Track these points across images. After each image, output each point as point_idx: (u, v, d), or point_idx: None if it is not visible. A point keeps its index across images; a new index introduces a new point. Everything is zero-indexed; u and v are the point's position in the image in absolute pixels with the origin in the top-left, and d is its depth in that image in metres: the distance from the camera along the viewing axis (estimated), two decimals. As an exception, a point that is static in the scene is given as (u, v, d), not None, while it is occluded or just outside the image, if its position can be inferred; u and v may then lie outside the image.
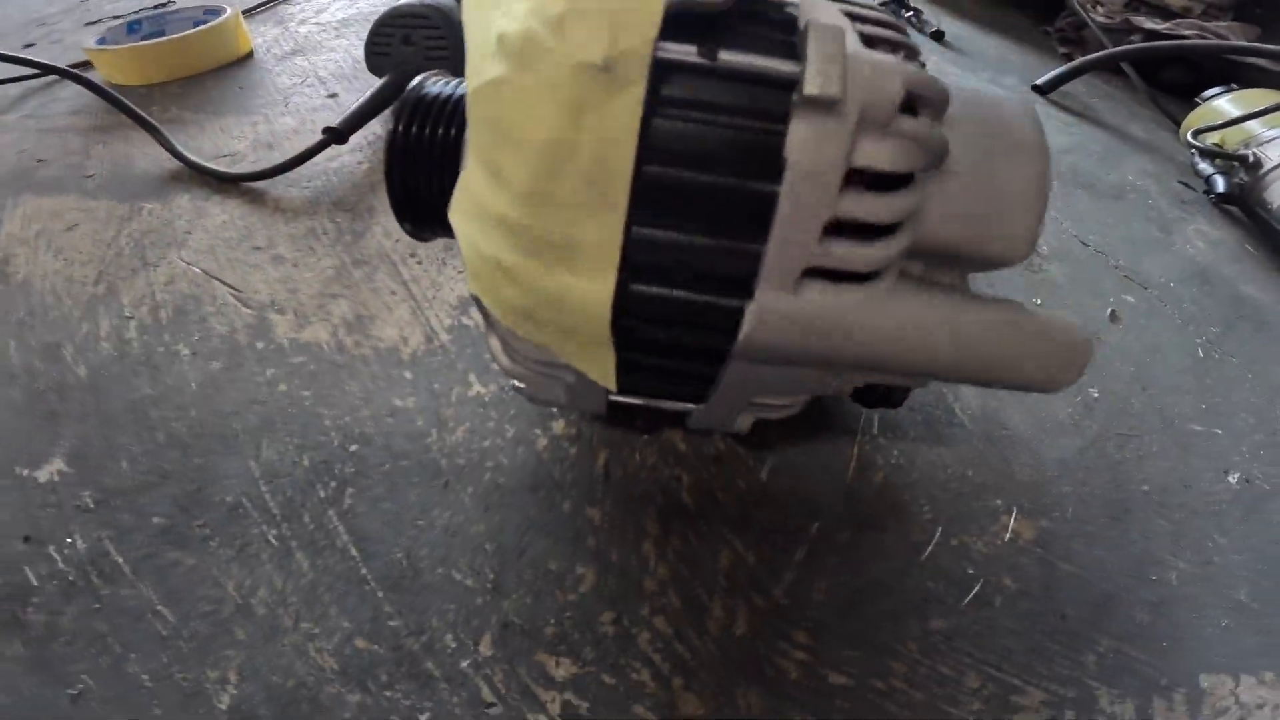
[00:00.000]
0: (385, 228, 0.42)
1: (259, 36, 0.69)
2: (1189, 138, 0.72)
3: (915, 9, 0.94)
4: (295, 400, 0.33)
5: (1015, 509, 0.36)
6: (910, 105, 0.18)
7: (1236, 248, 0.63)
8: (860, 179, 0.17)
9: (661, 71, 0.17)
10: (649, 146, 0.17)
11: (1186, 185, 0.70)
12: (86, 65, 0.60)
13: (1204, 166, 0.69)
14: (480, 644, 0.28)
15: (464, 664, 0.28)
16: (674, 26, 0.17)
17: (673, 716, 0.28)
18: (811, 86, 0.16)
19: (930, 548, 0.34)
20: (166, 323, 0.36)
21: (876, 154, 0.17)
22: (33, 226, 0.41)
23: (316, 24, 0.72)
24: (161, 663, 0.26)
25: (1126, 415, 0.43)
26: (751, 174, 0.17)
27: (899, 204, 0.18)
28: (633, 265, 0.18)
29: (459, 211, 0.20)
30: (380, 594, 0.29)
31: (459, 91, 0.25)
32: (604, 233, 0.17)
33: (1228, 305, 0.55)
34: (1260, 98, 0.75)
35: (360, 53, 0.60)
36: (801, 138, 0.16)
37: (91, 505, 0.30)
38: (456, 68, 0.43)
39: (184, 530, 0.29)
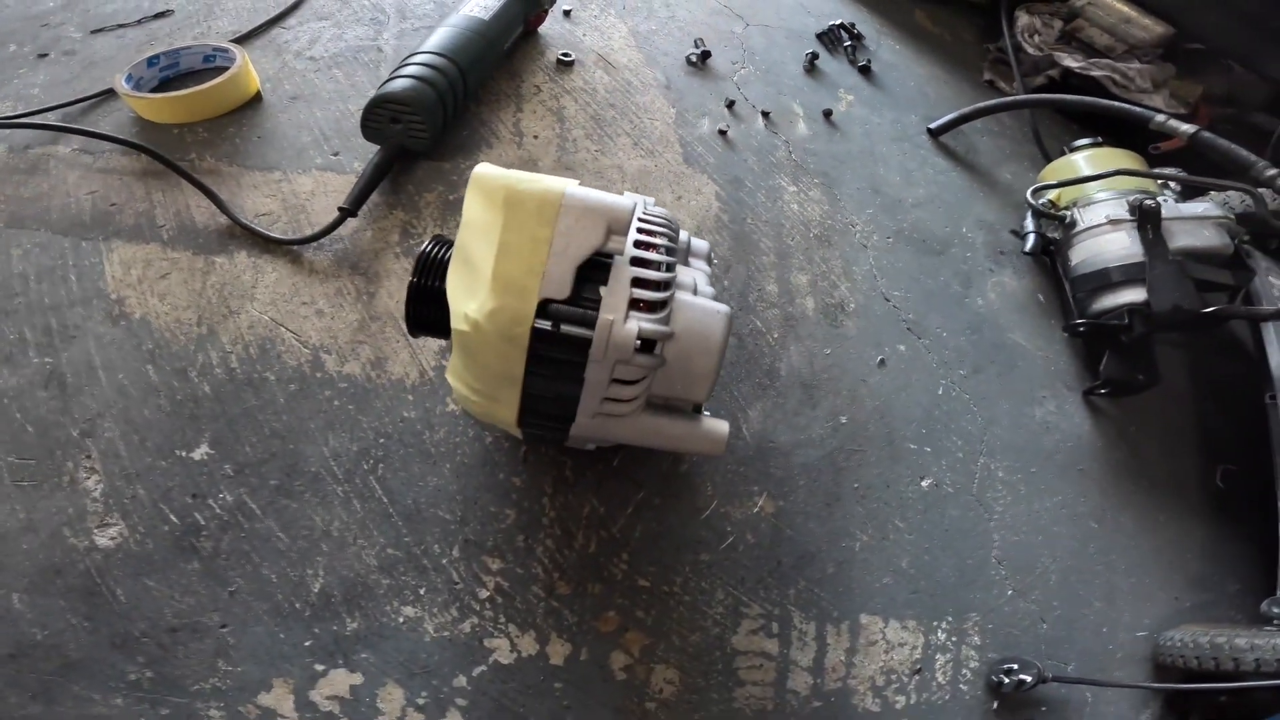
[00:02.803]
0: (389, 291, 0.71)
1: (260, 71, 0.90)
2: (1029, 194, 0.99)
3: (859, 36, 1.16)
4: (344, 410, 0.65)
5: (766, 493, 0.72)
6: (648, 342, 0.49)
7: (1027, 299, 0.97)
8: (619, 375, 0.50)
9: (536, 334, 0.48)
10: (529, 366, 0.48)
11: (1016, 234, 1.01)
12: (111, 93, 0.83)
13: (1028, 223, 0.98)
14: (453, 550, 0.63)
15: (444, 561, 0.62)
16: (541, 312, 0.48)
17: (553, 594, 0.64)
18: (597, 350, 0.47)
19: (707, 512, 0.70)
20: (256, 357, 0.66)
21: (623, 373, 0.49)
22: (132, 272, 0.69)
23: (310, 59, 0.93)
24: (281, 567, 0.59)
25: (861, 436, 0.78)
26: (570, 379, 0.49)
27: (635, 389, 0.50)
28: (523, 405, 0.50)
29: (452, 373, 0.51)
30: (400, 523, 0.63)
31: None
32: (511, 394, 0.49)
33: (987, 351, 0.89)
34: (1114, 158, 1.01)
35: (351, 103, 0.85)
36: (591, 372, 0.48)
37: (231, 473, 0.62)
38: (431, 146, 0.73)
39: (289, 488, 0.62)
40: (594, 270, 0.48)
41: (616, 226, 0.46)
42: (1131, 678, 0.74)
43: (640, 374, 0.49)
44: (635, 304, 0.49)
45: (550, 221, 0.45)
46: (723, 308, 0.53)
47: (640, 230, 0.51)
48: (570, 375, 0.49)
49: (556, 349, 0.48)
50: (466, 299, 0.47)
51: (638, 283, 0.49)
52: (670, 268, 0.51)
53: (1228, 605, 0.82)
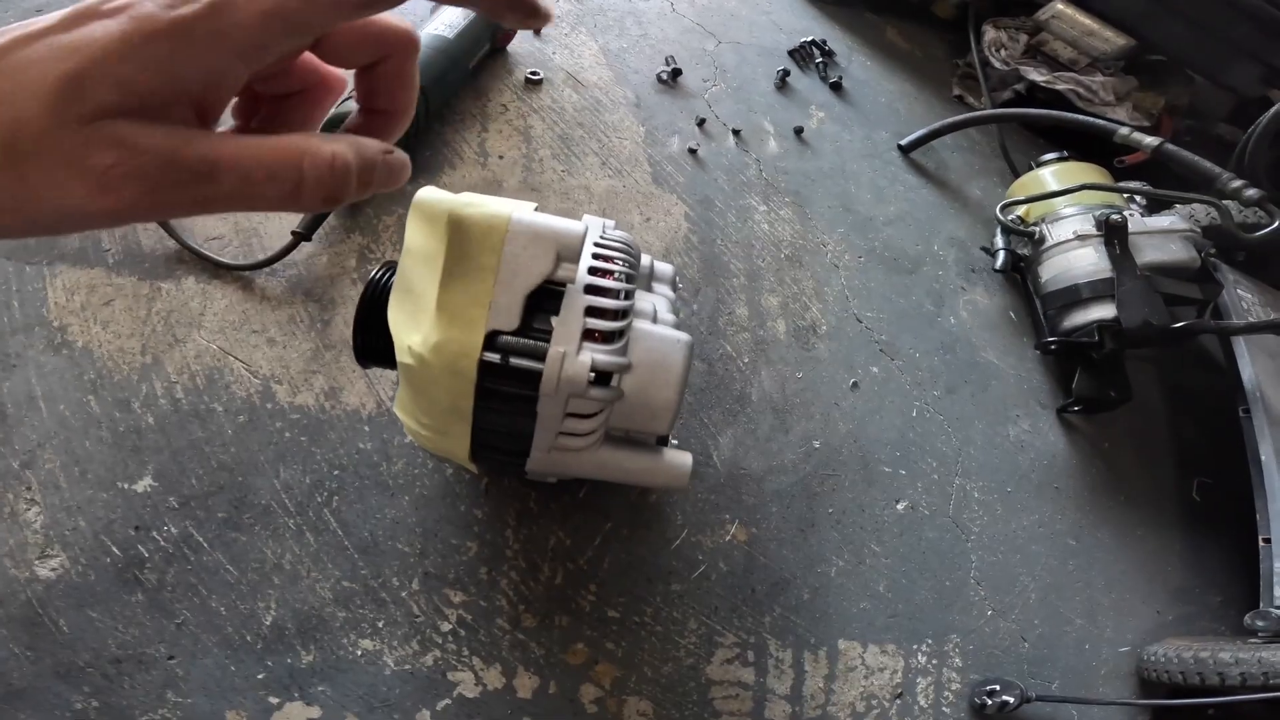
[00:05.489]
0: (344, 318, 0.69)
1: None
2: (998, 211, 0.99)
3: (830, 53, 1.16)
4: (296, 442, 0.63)
5: (737, 521, 0.70)
6: (604, 375, 0.47)
7: (998, 316, 0.96)
8: (574, 409, 0.47)
9: (484, 367, 0.45)
10: (479, 400, 0.46)
11: (987, 251, 1.01)
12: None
13: (998, 240, 0.98)
14: (412, 583, 0.60)
15: (403, 594, 0.60)
16: (489, 344, 0.45)
17: (519, 626, 0.61)
18: (548, 384, 0.45)
19: (678, 541, 0.68)
20: (203, 387, 0.63)
21: (578, 407, 0.47)
22: (75, 298, 0.65)
23: None
24: (230, 600, 0.57)
25: (835, 461, 0.76)
26: (522, 414, 0.47)
27: (592, 423, 0.48)
28: (475, 440, 0.48)
29: (400, 406, 0.49)
30: (355, 556, 0.60)
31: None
32: (461, 429, 0.47)
33: (960, 371, 0.88)
34: (1080, 172, 1.01)
35: None
36: (543, 406, 0.46)
37: (176, 506, 0.59)
38: None
39: (238, 520, 0.59)
40: (546, 299, 0.46)
41: (567, 253, 0.44)
42: (1116, 694, 0.73)
43: (596, 408, 0.47)
44: (589, 334, 0.46)
45: (496, 249, 0.43)
46: (683, 336, 0.51)
47: (596, 256, 0.49)
48: (522, 410, 0.46)
49: (506, 382, 0.45)
50: (410, 331, 0.45)
51: (592, 312, 0.47)
52: (628, 295, 0.49)
53: (1210, 617, 0.81)
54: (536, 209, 0.48)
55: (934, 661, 0.69)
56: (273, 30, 0.20)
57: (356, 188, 0.21)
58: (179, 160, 0.19)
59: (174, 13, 0.18)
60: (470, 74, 0.88)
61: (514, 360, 0.45)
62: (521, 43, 0.98)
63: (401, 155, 0.22)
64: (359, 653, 0.57)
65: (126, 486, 0.58)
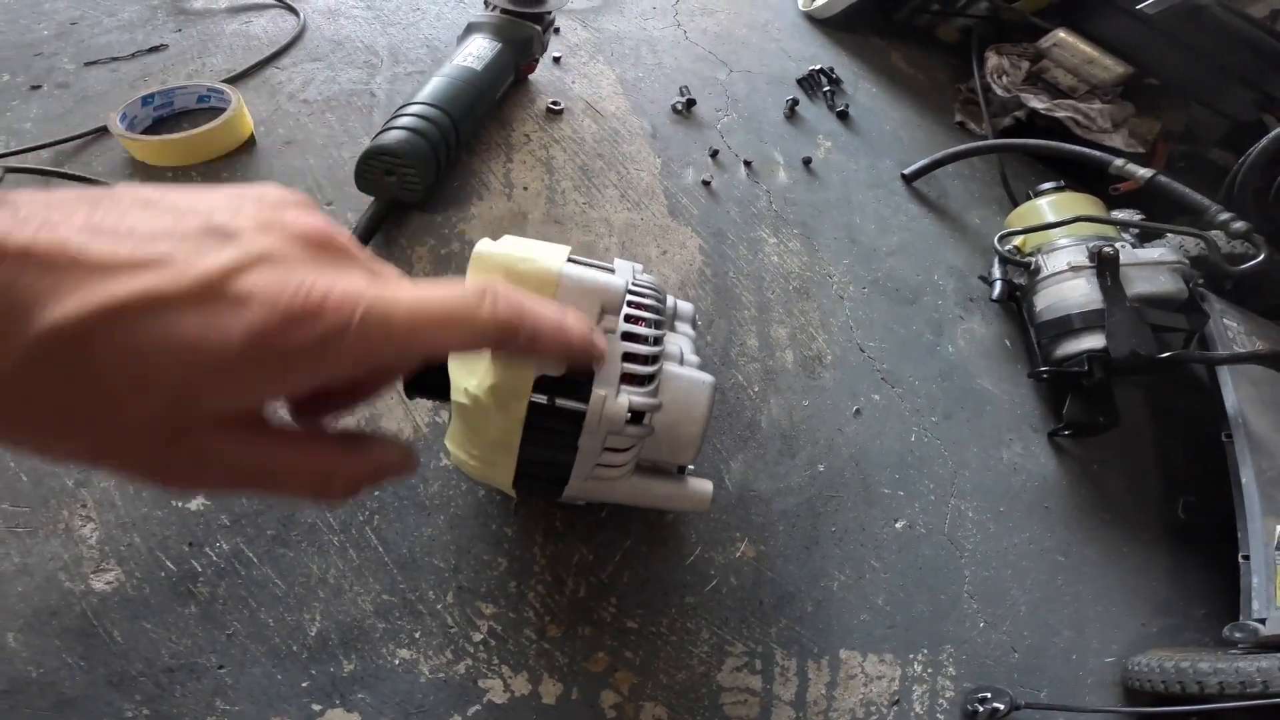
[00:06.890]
0: None
1: (254, 113, 0.91)
2: (995, 241, 1.05)
3: (837, 80, 1.22)
4: (338, 466, 0.68)
5: (747, 539, 0.76)
6: (638, 414, 0.53)
7: (994, 344, 1.02)
8: (610, 444, 0.54)
9: (531, 408, 0.51)
10: (525, 436, 0.52)
11: (984, 280, 1.07)
12: (105, 131, 0.85)
13: (995, 270, 1.05)
14: (447, 596, 0.66)
15: (438, 606, 0.65)
16: (537, 387, 0.51)
17: (544, 636, 0.67)
18: (590, 423, 0.51)
19: (692, 557, 0.74)
20: (253, 412, 0.69)
21: (614, 442, 0.53)
22: None
23: (303, 102, 0.95)
24: (278, 612, 0.62)
25: (838, 483, 0.83)
26: (564, 448, 0.53)
27: (625, 456, 0.54)
28: (519, 470, 0.54)
29: (450, 439, 0.55)
30: (395, 571, 0.66)
31: None
32: (507, 460, 0.53)
33: (957, 398, 0.95)
34: (1076, 203, 1.08)
35: (344, 150, 0.88)
36: (584, 441, 0.52)
37: (228, 523, 0.64)
38: (424, 198, 0.79)
39: (286, 537, 0.65)
40: (587, 346, 0.52)
41: (610, 306, 0.50)
42: (1102, 702, 0.79)
43: (630, 443, 0.53)
44: (626, 378, 0.52)
45: (547, 304, 0.49)
46: (708, 378, 0.57)
47: (630, 305, 0.55)
48: (564, 445, 0.52)
49: (552, 421, 0.51)
50: (467, 375, 0.51)
51: (628, 357, 0.53)
52: (658, 340, 0.55)
53: (1194, 629, 0.88)
54: (571, 253, 0.54)
55: (929, 670, 0.75)
56: (358, 370, 0.20)
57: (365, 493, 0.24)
58: (238, 470, 0.20)
59: (295, 334, 0.18)
60: (496, 104, 0.93)
61: (560, 401, 0.51)
62: (542, 72, 1.04)
63: (413, 462, 0.26)
64: (397, 661, 0.62)
65: (180, 505, 0.63)
